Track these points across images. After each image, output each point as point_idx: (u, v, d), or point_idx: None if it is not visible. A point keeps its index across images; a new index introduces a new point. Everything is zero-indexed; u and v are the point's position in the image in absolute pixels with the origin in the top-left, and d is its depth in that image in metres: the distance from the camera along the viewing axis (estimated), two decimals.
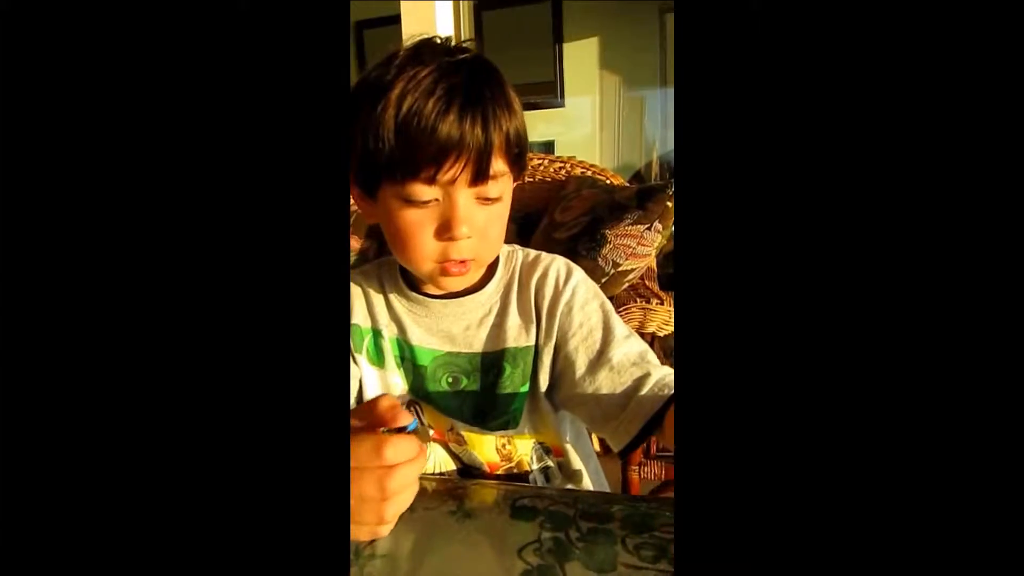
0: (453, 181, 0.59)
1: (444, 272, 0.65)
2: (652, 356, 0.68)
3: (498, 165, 0.61)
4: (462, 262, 0.64)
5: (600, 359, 0.67)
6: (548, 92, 3.54)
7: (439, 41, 0.65)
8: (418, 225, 0.62)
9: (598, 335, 0.69)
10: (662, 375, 0.64)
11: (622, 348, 0.67)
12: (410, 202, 0.61)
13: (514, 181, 0.68)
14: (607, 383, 0.66)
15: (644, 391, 0.63)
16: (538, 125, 3.51)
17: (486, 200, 0.63)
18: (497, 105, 0.61)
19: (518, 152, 0.64)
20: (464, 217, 0.61)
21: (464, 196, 0.61)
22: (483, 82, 0.61)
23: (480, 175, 0.60)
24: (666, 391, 0.62)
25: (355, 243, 1.72)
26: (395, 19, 2.05)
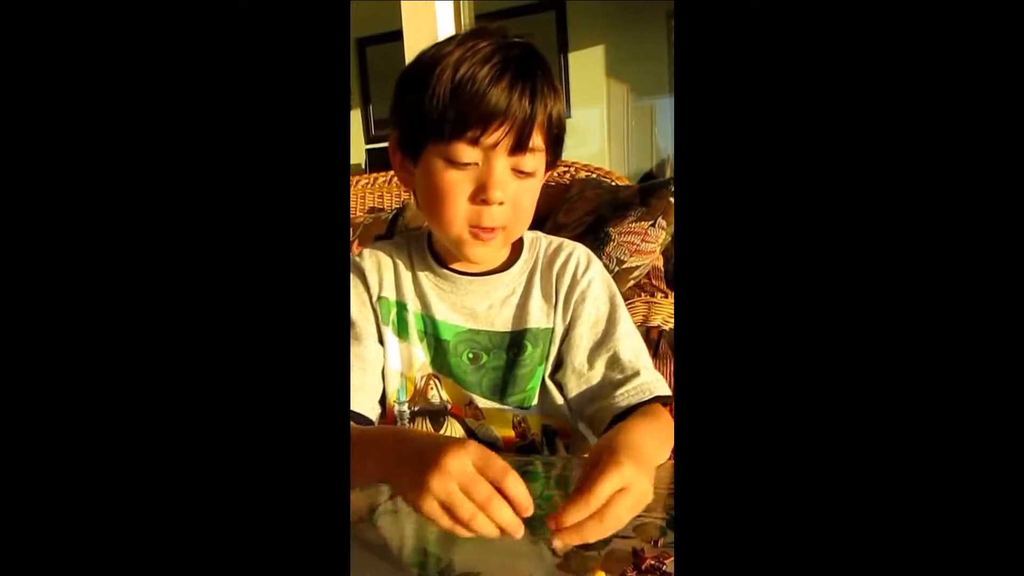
0: (495, 146, 0.64)
1: (474, 236, 0.68)
2: (646, 358, 0.73)
3: (537, 140, 0.66)
4: (491, 229, 0.68)
5: (599, 349, 0.73)
6: None
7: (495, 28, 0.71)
8: (455, 186, 0.66)
9: (602, 326, 0.74)
10: (646, 379, 0.70)
11: (622, 343, 0.72)
12: (451, 163, 0.65)
13: (547, 169, 0.73)
14: (599, 371, 0.72)
15: (628, 387, 0.69)
16: None
17: (521, 173, 0.67)
18: (546, 84, 0.66)
19: (556, 133, 0.69)
20: (499, 182, 0.65)
21: (502, 163, 0.65)
22: (536, 62, 0.67)
23: (520, 145, 0.65)
24: (646, 394, 0.69)
25: None
26: (397, 35, 2.09)
